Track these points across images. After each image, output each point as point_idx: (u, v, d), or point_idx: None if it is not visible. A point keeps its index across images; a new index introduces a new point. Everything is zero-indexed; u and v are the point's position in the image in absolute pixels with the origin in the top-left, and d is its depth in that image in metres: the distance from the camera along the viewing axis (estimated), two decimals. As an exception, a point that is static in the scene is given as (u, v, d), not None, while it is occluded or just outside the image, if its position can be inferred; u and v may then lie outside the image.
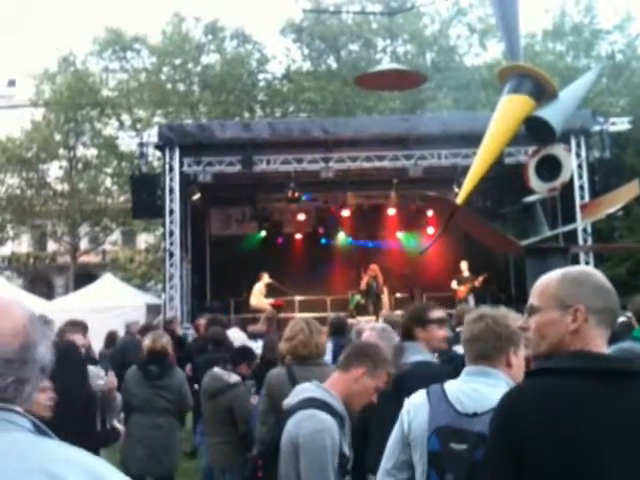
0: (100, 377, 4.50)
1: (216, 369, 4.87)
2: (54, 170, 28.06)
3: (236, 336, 9.06)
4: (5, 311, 1.17)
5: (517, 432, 1.55)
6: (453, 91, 23.79)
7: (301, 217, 16.57)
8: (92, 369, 4.47)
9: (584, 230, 12.20)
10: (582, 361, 1.59)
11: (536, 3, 28.37)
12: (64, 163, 27.79)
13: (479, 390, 2.25)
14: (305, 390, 2.71)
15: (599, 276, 1.73)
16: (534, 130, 5.07)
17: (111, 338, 9.32)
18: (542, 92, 5.00)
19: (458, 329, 4.98)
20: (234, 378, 4.76)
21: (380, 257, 15.84)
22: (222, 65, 26.90)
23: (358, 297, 14.87)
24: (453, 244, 14.69)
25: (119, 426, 4.17)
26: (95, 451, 3.99)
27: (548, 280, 1.75)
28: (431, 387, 2.39)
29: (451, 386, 2.33)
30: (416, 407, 2.34)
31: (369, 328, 4.12)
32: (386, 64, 12.22)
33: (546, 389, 1.57)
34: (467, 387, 2.29)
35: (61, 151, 27.51)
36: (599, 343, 1.65)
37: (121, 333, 9.92)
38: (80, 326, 4.28)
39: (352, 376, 2.71)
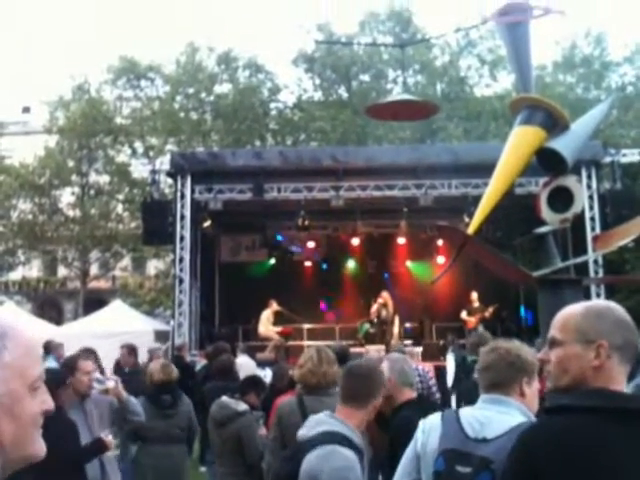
0: (100, 381, 4.46)
1: (224, 398, 4.84)
2: (66, 196, 28.30)
3: (245, 364, 9.03)
4: None
5: (534, 467, 1.55)
6: (463, 121, 23.95)
7: (311, 245, 16.58)
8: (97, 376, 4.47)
9: (595, 262, 12.14)
10: (601, 400, 1.57)
11: (546, 35, 28.60)
12: (76, 189, 28.03)
13: (491, 417, 2.29)
14: (323, 423, 2.68)
15: (621, 311, 1.72)
16: (546, 161, 5.07)
17: (119, 364, 9.28)
18: (554, 124, 5.02)
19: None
20: (242, 407, 4.72)
21: (389, 286, 15.77)
22: (234, 94, 27.21)
23: (367, 326, 14.78)
24: (463, 274, 14.64)
25: (108, 438, 4.06)
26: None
27: (571, 313, 1.74)
28: (447, 411, 2.47)
29: (465, 411, 2.40)
30: (430, 428, 2.41)
31: (386, 358, 4.09)
32: (397, 94, 12.31)
33: (564, 426, 1.56)
34: (480, 413, 2.35)
35: (74, 177, 27.77)
36: (620, 380, 1.65)
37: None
38: (91, 353, 4.29)
39: (368, 411, 2.76)
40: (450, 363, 9.16)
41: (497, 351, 2.44)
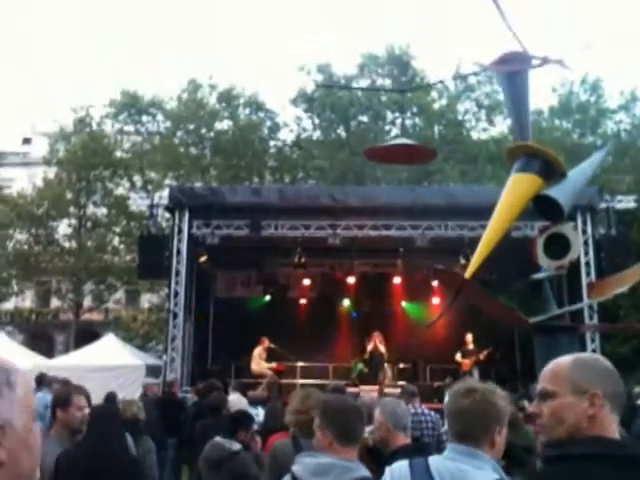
0: None
1: (218, 438, 4.78)
2: (63, 227, 28.33)
3: (236, 402, 8.93)
4: None
5: None
6: (460, 164, 24.21)
7: (306, 282, 16.57)
8: None
9: (590, 307, 12.15)
10: (600, 447, 1.58)
11: (543, 81, 29.15)
12: (73, 221, 28.07)
13: (465, 470, 2.16)
14: (350, 470, 2.53)
15: (606, 361, 1.76)
16: (542, 208, 5.14)
17: (110, 399, 9.18)
18: (551, 171, 5.10)
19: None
20: (236, 446, 4.67)
21: (384, 326, 15.71)
22: (234, 131, 27.50)
23: (361, 365, 14.70)
24: (458, 316, 14.58)
25: None
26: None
27: (560, 365, 1.75)
28: (415, 459, 2.32)
29: (435, 461, 2.25)
30: (399, 476, 2.27)
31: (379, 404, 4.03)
32: (397, 139, 12.49)
33: (568, 475, 1.57)
34: (452, 465, 2.20)
35: (71, 209, 27.84)
36: (613, 429, 1.67)
37: (120, 394, 9.78)
38: (82, 390, 4.25)
39: (357, 448, 2.67)
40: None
41: (472, 396, 2.29)
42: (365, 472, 2.55)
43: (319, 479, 2.52)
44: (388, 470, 2.35)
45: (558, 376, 1.72)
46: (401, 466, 2.31)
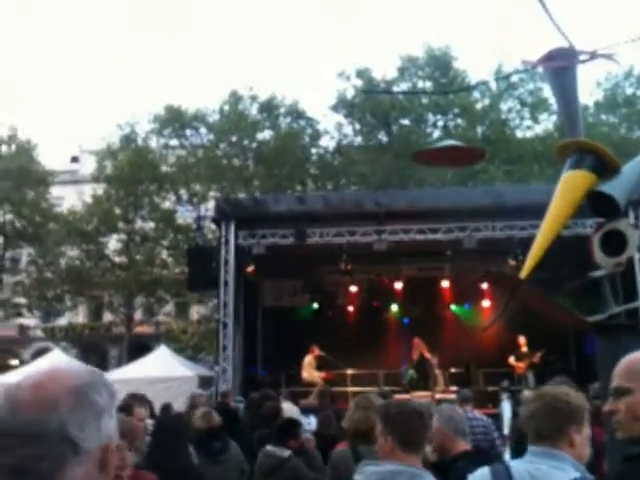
0: None
1: (269, 446, 4.80)
2: (113, 242, 28.97)
3: (288, 411, 8.93)
4: (41, 383, 1.16)
5: None
6: (505, 164, 23.84)
7: (353, 289, 16.52)
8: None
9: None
10: None
11: (587, 75, 28.53)
12: (122, 236, 28.68)
13: (545, 471, 2.18)
14: (417, 477, 2.49)
15: None
16: (597, 205, 5.00)
17: (166, 410, 9.29)
18: (604, 167, 4.95)
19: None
20: (286, 453, 4.68)
21: (433, 330, 15.53)
22: (276, 140, 27.72)
23: (412, 372, 14.55)
24: (510, 318, 14.32)
25: None
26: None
27: (634, 360, 1.71)
28: (495, 464, 2.34)
29: (516, 465, 2.28)
30: None
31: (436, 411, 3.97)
32: (444, 141, 12.37)
33: None
34: (532, 467, 2.22)
35: (120, 224, 28.45)
36: None
37: (175, 405, 9.90)
38: (142, 400, 4.31)
39: (421, 455, 2.64)
40: (506, 411, 8.91)
41: (543, 398, 2.33)
42: (431, 477, 2.51)
43: None
44: (470, 477, 2.36)
45: (633, 372, 1.69)
46: (482, 473, 2.33)
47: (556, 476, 2.13)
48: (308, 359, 14.31)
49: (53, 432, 1.10)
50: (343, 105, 28.24)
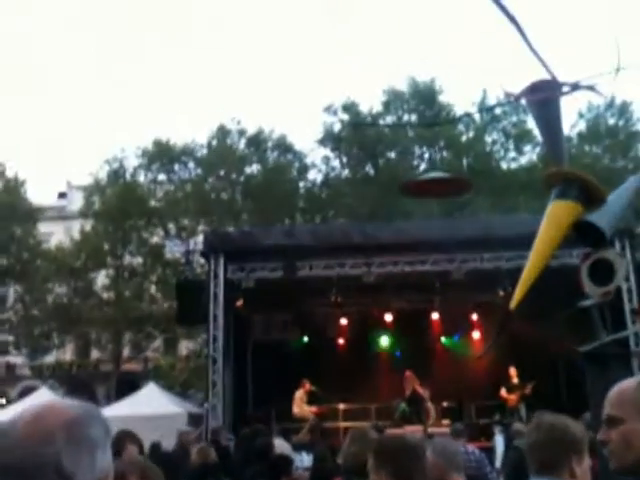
0: None
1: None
2: (101, 278, 28.79)
3: (280, 447, 8.81)
4: (36, 418, 1.16)
5: None
6: (491, 195, 24.05)
7: (344, 322, 16.45)
8: None
9: (636, 334, 11.82)
10: None
11: (570, 107, 29.03)
12: (111, 271, 28.51)
13: None
14: None
15: None
16: (583, 235, 5.06)
17: (155, 449, 9.15)
18: (590, 197, 5.02)
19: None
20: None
21: (425, 363, 15.45)
22: (264, 174, 27.88)
23: (404, 405, 14.42)
24: (500, 350, 14.33)
25: None
26: None
27: (625, 389, 1.71)
28: None
29: None
30: None
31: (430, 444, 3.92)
32: (431, 172, 12.54)
33: None
34: None
35: (108, 260, 28.31)
36: None
37: (165, 443, 9.75)
38: (133, 437, 4.24)
39: None
40: (499, 445, 8.84)
41: (543, 428, 2.33)
42: None
43: None
44: None
45: (624, 401, 1.68)
46: None
47: None
48: (299, 394, 14.17)
49: (48, 467, 1.10)
50: (330, 139, 28.52)
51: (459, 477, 3.64)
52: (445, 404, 14.98)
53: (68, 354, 34.07)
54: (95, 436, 1.18)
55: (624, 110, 26.79)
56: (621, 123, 26.93)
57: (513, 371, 14.08)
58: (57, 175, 73.82)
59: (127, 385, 25.94)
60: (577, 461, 2.24)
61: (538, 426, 2.36)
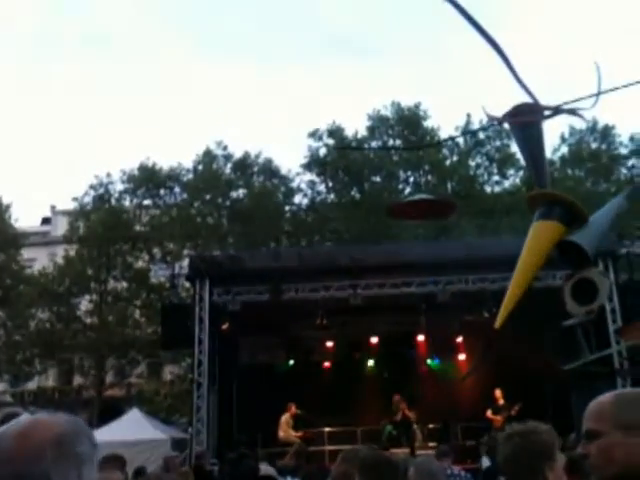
0: None
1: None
2: (84, 303, 28.52)
3: (265, 471, 8.74)
4: (24, 433, 1.16)
5: None
6: (475, 218, 24.26)
7: (330, 344, 16.41)
8: None
9: (619, 353, 11.93)
10: None
11: (552, 131, 29.49)
12: (95, 296, 28.28)
13: None
14: None
15: None
16: (567, 255, 5.12)
17: (139, 473, 9.02)
18: (572, 218, 5.09)
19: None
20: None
21: (411, 385, 15.44)
22: (250, 198, 27.93)
23: (390, 427, 14.38)
24: (486, 372, 14.35)
25: None
26: None
27: (602, 402, 1.74)
28: None
29: None
30: None
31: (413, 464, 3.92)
32: (417, 195, 12.66)
33: None
34: None
35: (92, 285, 28.08)
36: None
37: (149, 469, 9.62)
38: (118, 461, 4.20)
39: None
40: (485, 465, 8.82)
41: (513, 439, 2.35)
42: None
43: None
44: None
45: (602, 415, 1.70)
46: None
47: None
48: (285, 418, 14.08)
49: None
50: (316, 163, 28.70)
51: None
52: (431, 426, 14.96)
53: (50, 380, 33.59)
54: (82, 451, 1.19)
55: (606, 134, 27.23)
56: (603, 147, 27.37)
57: (499, 393, 14.09)
58: (41, 200, 73.33)
59: (110, 411, 25.57)
60: (549, 466, 2.28)
61: (509, 438, 2.38)
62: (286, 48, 58.66)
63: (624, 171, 27.17)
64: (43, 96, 69.93)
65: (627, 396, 1.75)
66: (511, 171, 27.78)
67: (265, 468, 9.10)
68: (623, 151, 27.14)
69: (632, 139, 26.88)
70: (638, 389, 1.81)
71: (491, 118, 6.24)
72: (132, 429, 15.45)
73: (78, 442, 1.19)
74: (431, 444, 13.09)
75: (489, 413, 13.98)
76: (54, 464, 1.13)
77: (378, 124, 28.95)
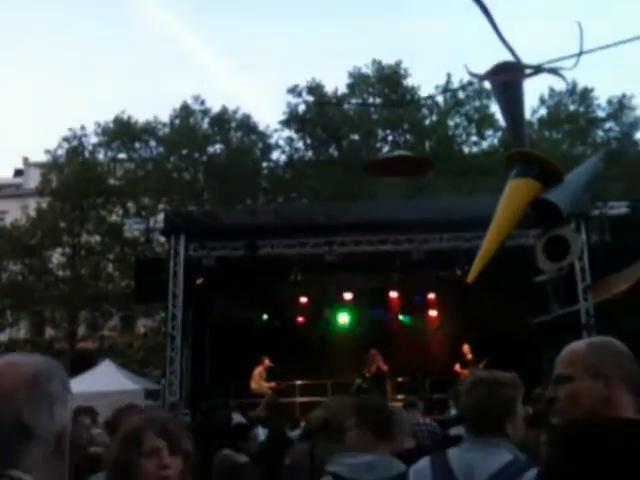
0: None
1: (225, 451, 4.77)
2: (57, 256, 28.22)
3: (238, 422, 8.86)
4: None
5: None
6: (452, 178, 24.32)
7: (304, 300, 16.53)
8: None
9: (587, 311, 12.18)
10: (621, 426, 1.57)
11: (531, 93, 29.46)
12: (67, 250, 27.97)
13: (478, 458, 2.27)
14: (392, 464, 2.61)
15: (621, 344, 1.77)
16: (541, 213, 5.17)
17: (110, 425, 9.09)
18: (549, 176, 5.12)
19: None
20: (243, 458, 4.66)
21: (382, 340, 15.67)
22: (227, 154, 27.61)
23: (359, 380, 14.60)
24: (454, 327, 14.60)
25: None
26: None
27: (575, 348, 1.77)
28: (434, 454, 2.41)
29: (454, 454, 2.35)
30: (419, 476, 2.35)
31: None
32: (395, 151, 12.64)
33: (585, 454, 1.55)
34: (469, 456, 2.31)
35: (65, 238, 27.75)
36: (630, 410, 1.66)
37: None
38: (90, 413, 4.21)
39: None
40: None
41: (478, 390, 2.41)
42: (403, 466, 2.59)
43: (365, 477, 2.54)
44: (411, 470, 2.42)
45: (573, 360, 1.74)
46: (423, 464, 2.39)
47: (490, 462, 2.22)
48: (258, 370, 14.24)
49: (8, 421, 1.12)
50: (294, 120, 28.38)
51: (408, 443, 3.79)
52: (400, 379, 15.25)
53: (22, 332, 33.42)
54: (55, 392, 1.20)
55: (585, 96, 27.26)
56: (582, 109, 27.44)
57: (467, 348, 14.41)
58: (13, 152, 71.85)
59: (82, 363, 25.56)
60: (510, 421, 2.35)
61: (472, 388, 2.43)
62: (268, 3, 57.34)
63: (601, 134, 27.33)
64: (17, 44, 67.88)
65: (599, 343, 1.78)
66: (489, 132, 27.79)
67: (238, 419, 9.23)
68: (601, 114, 27.25)
69: (610, 102, 26.99)
70: (610, 338, 1.84)
71: (473, 75, 6.21)
72: (105, 380, 15.50)
73: (50, 383, 1.20)
74: (400, 396, 13.35)
75: (457, 367, 14.28)
76: (25, 404, 1.14)
77: (358, 82, 28.64)
